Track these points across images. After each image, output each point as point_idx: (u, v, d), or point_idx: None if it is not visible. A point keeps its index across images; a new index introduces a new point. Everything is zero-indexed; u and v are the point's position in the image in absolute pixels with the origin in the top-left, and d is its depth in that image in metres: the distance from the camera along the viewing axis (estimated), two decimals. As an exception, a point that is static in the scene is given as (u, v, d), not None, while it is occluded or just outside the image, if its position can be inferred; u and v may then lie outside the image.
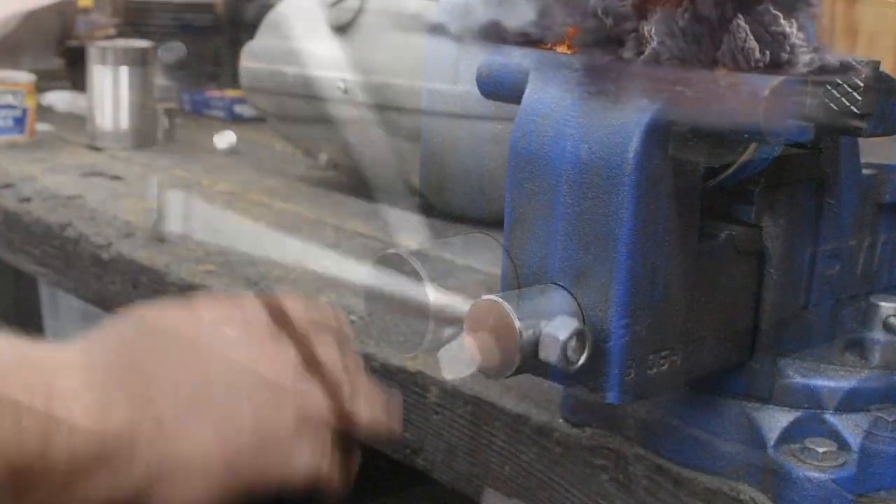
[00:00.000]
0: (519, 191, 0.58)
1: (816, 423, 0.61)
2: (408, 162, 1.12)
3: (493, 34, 0.59)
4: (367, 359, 0.79)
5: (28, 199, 1.20)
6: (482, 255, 0.60)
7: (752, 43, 0.52)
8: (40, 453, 0.52)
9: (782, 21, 0.53)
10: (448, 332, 0.58)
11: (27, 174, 1.32)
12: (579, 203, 0.55)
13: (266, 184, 1.33)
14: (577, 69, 0.56)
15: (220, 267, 0.98)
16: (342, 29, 1.17)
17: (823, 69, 0.53)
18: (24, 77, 1.50)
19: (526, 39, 0.59)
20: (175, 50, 1.73)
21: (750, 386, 0.62)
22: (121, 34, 1.80)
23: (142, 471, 0.56)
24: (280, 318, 0.62)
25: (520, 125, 0.57)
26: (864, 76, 0.52)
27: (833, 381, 0.61)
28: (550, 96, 0.56)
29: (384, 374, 0.78)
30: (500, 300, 0.53)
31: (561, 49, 0.58)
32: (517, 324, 0.52)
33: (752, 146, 0.57)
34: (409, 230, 1.04)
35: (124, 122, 1.49)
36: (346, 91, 1.16)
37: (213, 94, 1.78)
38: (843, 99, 0.52)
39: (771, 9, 0.53)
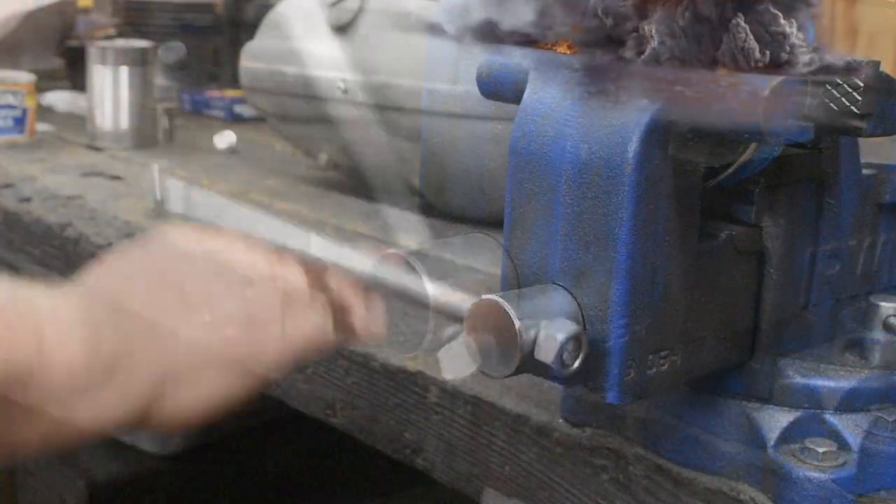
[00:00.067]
0: (519, 191, 0.58)
1: (816, 423, 0.61)
2: (408, 162, 1.12)
3: (490, 34, 0.59)
4: (367, 359, 0.80)
5: (28, 199, 1.20)
6: (482, 255, 0.60)
7: (752, 43, 0.52)
8: (35, 366, 0.53)
9: (782, 21, 0.53)
10: (448, 332, 0.58)
11: (27, 174, 1.32)
12: (579, 203, 0.55)
13: (266, 184, 1.33)
14: (577, 69, 0.56)
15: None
16: (342, 29, 1.17)
17: (823, 69, 0.53)
18: (24, 77, 1.50)
19: (524, 39, 0.59)
20: (175, 50, 1.73)
21: (750, 386, 0.62)
22: (121, 34, 1.80)
23: (146, 381, 0.57)
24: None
25: (520, 125, 0.57)
26: (864, 76, 0.52)
27: (833, 381, 0.61)
28: (550, 96, 0.56)
29: (384, 374, 0.78)
30: (500, 300, 0.53)
31: (561, 49, 0.58)
32: (517, 324, 0.52)
33: (752, 146, 0.57)
34: (409, 230, 1.04)
35: (124, 122, 1.49)
36: (346, 91, 1.16)
37: (213, 94, 1.78)
38: (843, 99, 0.52)
39: (771, 8, 0.53)
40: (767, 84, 0.50)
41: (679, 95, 0.51)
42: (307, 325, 0.62)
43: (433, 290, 0.58)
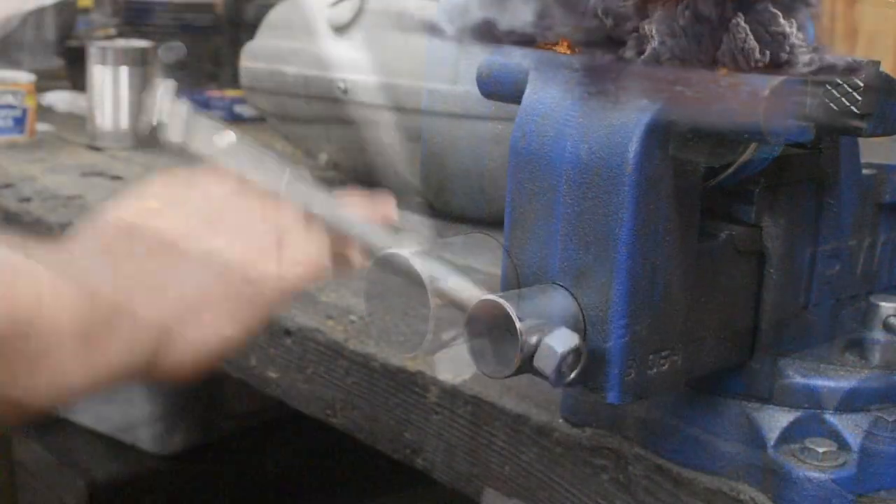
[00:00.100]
0: (519, 191, 0.58)
1: (816, 423, 0.61)
2: (408, 162, 1.12)
3: (489, 34, 0.59)
4: (367, 359, 0.80)
5: (28, 199, 1.20)
6: (482, 255, 0.60)
7: (752, 43, 0.52)
8: (36, 318, 0.53)
9: (782, 21, 0.53)
10: (448, 332, 0.58)
11: (27, 174, 1.32)
12: (579, 203, 0.55)
13: (266, 184, 1.33)
14: (577, 69, 0.56)
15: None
16: (342, 29, 1.17)
17: (823, 69, 0.53)
18: (24, 77, 1.50)
19: (524, 39, 0.59)
20: (175, 50, 1.73)
21: (750, 386, 0.62)
22: (121, 34, 1.80)
23: (147, 329, 0.57)
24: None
25: (520, 125, 0.57)
26: (864, 76, 0.52)
27: (833, 381, 0.61)
28: (550, 96, 0.56)
29: (384, 373, 0.78)
30: (501, 300, 0.53)
31: (561, 49, 0.58)
32: (518, 324, 0.52)
33: (752, 146, 0.57)
34: (410, 230, 1.04)
35: (124, 122, 1.49)
36: (346, 91, 1.16)
37: (213, 94, 1.78)
38: (843, 99, 0.52)
39: (770, 8, 0.53)
40: (767, 84, 0.50)
41: (679, 95, 0.51)
42: (303, 256, 0.62)
43: (433, 290, 0.58)
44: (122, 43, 1.56)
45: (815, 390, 0.61)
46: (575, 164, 0.55)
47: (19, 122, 1.50)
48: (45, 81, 1.68)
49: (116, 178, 1.33)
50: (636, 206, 0.53)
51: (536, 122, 0.57)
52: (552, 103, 0.56)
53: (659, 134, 0.53)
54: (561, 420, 0.68)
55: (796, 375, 0.61)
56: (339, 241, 0.64)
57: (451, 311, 0.57)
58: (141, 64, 1.47)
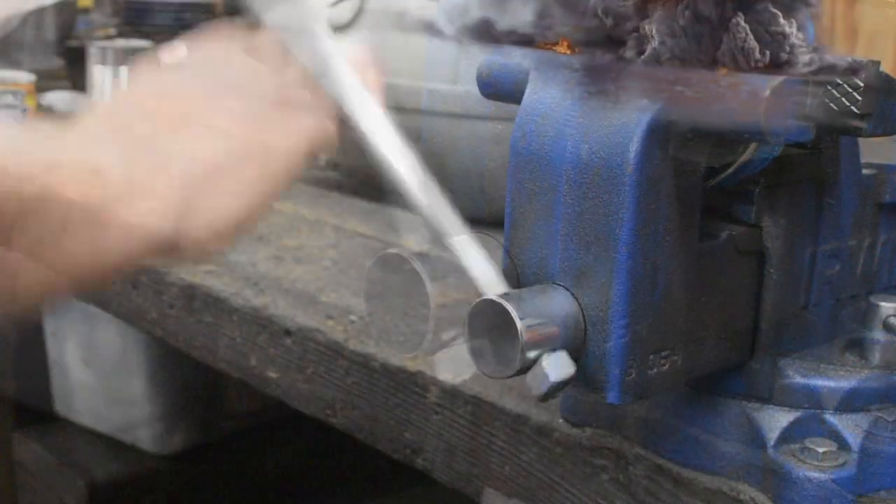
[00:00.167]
0: (519, 191, 0.58)
1: (816, 423, 0.61)
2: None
3: (487, 33, 0.59)
4: (367, 359, 0.80)
5: (28, 199, 1.20)
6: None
7: (753, 43, 0.52)
8: (44, 192, 0.52)
9: (782, 21, 0.53)
10: (448, 332, 0.58)
11: (27, 174, 1.32)
12: (580, 203, 0.55)
13: (266, 184, 1.33)
14: (577, 69, 0.56)
15: (220, 267, 0.98)
16: (342, 29, 1.17)
17: (823, 69, 0.53)
18: (24, 77, 1.50)
19: (523, 39, 0.59)
20: (175, 50, 1.73)
21: (750, 386, 0.62)
22: (121, 34, 1.80)
23: (163, 203, 0.56)
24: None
25: (520, 125, 0.57)
26: (864, 76, 0.52)
27: (833, 381, 0.61)
28: (551, 96, 0.56)
29: (384, 373, 0.78)
30: (501, 300, 0.53)
31: (561, 49, 0.58)
32: (518, 324, 0.52)
33: (752, 146, 0.57)
34: (409, 230, 1.04)
35: (124, 122, 1.49)
36: (346, 91, 1.15)
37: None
38: (843, 99, 0.52)
39: (770, 8, 0.53)
40: (768, 84, 0.50)
41: (679, 95, 0.51)
42: (311, 121, 0.61)
43: (433, 290, 0.58)
44: (122, 43, 1.56)
45: (815, 390, 0.61)
46: (575, 164, 0.55)
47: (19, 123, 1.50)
48: (45, 81, 1.68)
49: (116, 178, 1.33)
50: (636, 206, 0.53)
51: (536, 122, 0.57)
52: (552, 103, 0.56)
53: (659, 134, 0.53)
54: (561, 420, 0.68)
55: (796, 375, 0.61)
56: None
57: (451, 311, 0.57)
58: (141, 64, 1.47)
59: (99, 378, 1.61)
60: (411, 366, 0.76)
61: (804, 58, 0.53)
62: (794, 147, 0.59)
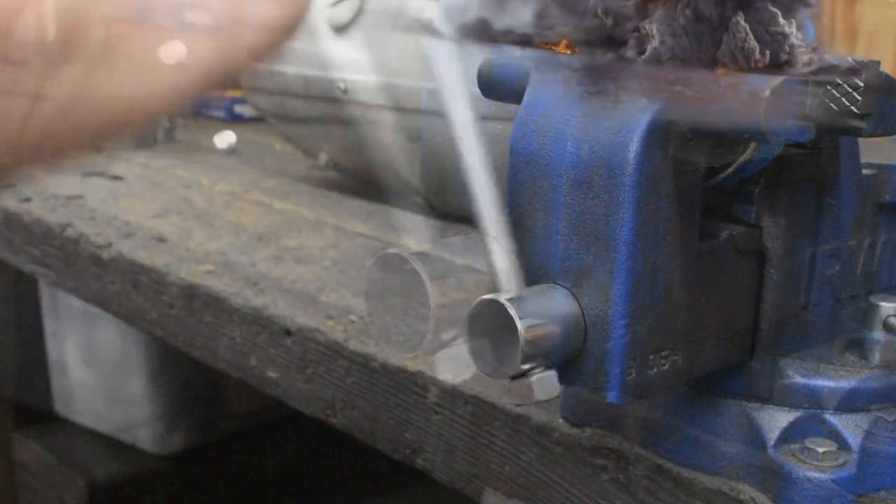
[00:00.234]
0: (519, 191, 0.58)
1: (816, 423, 0.61)
2: (408, 162, 1.12)
3: (488, 34, 0.59)
4: (367, 359, 0.80)
5: (28, 199, 1.20)
6: (482, 255, 0.60)
7: (753, 43, 0.52)
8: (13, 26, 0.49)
9: (781, 20, 0.53)
10: (448, 332, 0.58)
11: (27, 174, 1.32)
12: (580, 203, 0.55)
13: (266, 184, 1.33)
14: (577, 69, 0.56)
15: (220, 267, 0.98)
16: (342, 29, 1.17)
17: (823, 69, 0.53)
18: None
19: (523, 39, 0.59)
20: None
21: (750, 386, 0.62)
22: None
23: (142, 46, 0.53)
24: None
25: (520, 125, 0.57)
26: (864, 76, 0.52)
27: (833, 381, 0.61)
28: (551, 96, 0.56)
29: (384, 373, 0.78)
30: (501, 300, 0.53)
31: (561, 49, 0.58)
32: (518, 324, 0.52)
33: (752, 146, 0.57)
34: (409, 230, 1.04)
35: (124, 122, 1.49)
36: (346, 91, 1.16)
37: (213, 94, 1.78)
38: (843, 99, 0.52)
39: (770, 7, 0.53)
40: (768, 84, 0.50)
41: (679, 95, 0.51)
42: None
43: (433, 290, 0.58)
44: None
45: (815, 390, 0.61)
46: (575, 163, 0.55)
47: (19, 122, 1.50)
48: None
49: (116, 178, 1.33)
50: (637, 206, 0.53)
51: (537, 121, 0.57)
52: (552, 103, 0.56)
53: (659, 134, 0.53)
54: (561, 420, 0.68)
55: (796, 375, 0.61)
56: None
57: (451, 311, 0.57)
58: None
59: (99, 378, 1.61)
60: (411, 366, 0.76)
61: (804, 58, 0.53)
62: (794, 147, 0.59)
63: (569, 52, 0.58)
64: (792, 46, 0.53)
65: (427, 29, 0.64)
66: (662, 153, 0.53)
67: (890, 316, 0.64)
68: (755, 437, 0.61)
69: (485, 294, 0.55)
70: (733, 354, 0.61)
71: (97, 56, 0.52)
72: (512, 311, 0.53)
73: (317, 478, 1.68)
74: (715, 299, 0.59)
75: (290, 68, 1.22)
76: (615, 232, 0.53)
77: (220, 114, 1.74)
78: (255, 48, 0.57)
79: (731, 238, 0.60)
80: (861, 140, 0.60)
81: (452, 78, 0.60)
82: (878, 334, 0.64)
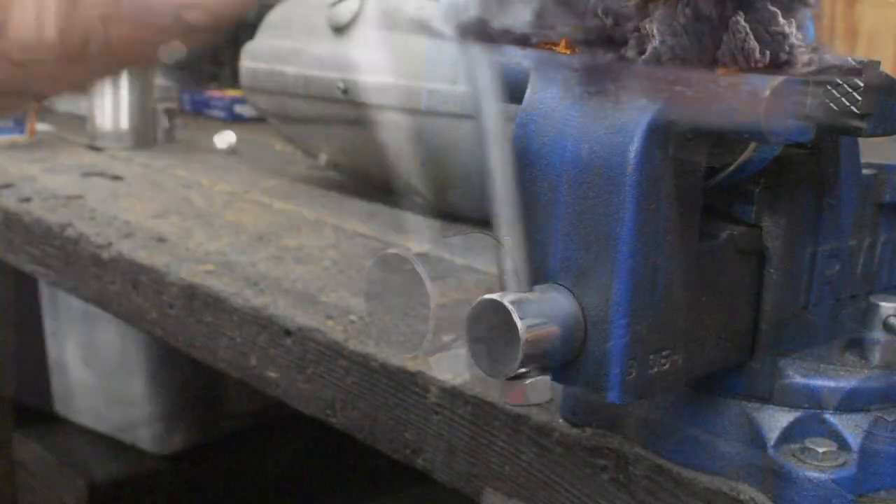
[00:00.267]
0: (520, 191, 0.58)
1: (816, 423, 0.61)
2: (408, 162, 1.12)
3: (488, 34, 0.59)
4: (367, 359, 0.80)
5: (28, 199, 1.20)
6: (482, 255, 0.60)
7: (753, 43, 0.52)
8: None
9: (781, 20, 0.53)
10: (448, 332, 0.58)
11: (27, 174, 1.32)
12: (580, 203, 0.55)
13: (266, 184, 1.33)
14: (577, 69, 0.56)
15: (220, 267, 0.98)
16: (342, 29, 1.17)
17: (823, 69, 0.53)
18: (24, 77, 1.50)
19: (523, 39, 0.59)
20: (175, 50, 1.73)
21: (750, 386, 0.62)
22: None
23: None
24: None
25: (521, 125, 0.57)
26: (864, 76, 0.52)
27: (833, 381, 0.61)
28: (551, 96, 0.56)
29: (384, 373, 0.78)
30: (502, 300, 0.53)
31: (561, 49, 0.58)
32: (519, 324, 0.52)
33: (752, 146, 0.57)
34: (410, 230, 1.04)
35: (124, 122, 1.49)
36: (346, 91, 1.16)
37: (213, 94, 1.78)
38: (843, 99, 0.52)
39: (769, 7, 0.53)
40: (768, 84, 0.50)
41: (680, 95, 0.51)
42: None
43: (433, 290, 0.58)
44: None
45: (815, 390, 0.61)
46: (575, 164, 0.55)
47: (19, 122, 1.50)
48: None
49: (116, 178, 1.34)
50: (637, 206, 0.53)
51: (537, 121, 0.57)
52: (553, 103, 0.56)
53: (659, 134, 0.53)
54: (561, 420, 0.68)
55: (796, 375, 0.61)
56: None
57: (451, 311, 0.57)
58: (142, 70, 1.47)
59: (99, 378, 1.61)
60: (411, 366, 0.76)
61: (804, 58, 0.53)
62: (794, 147, 0.59)
63: (569, 52, 0.58)
64: (792, 46, 0.53)
65: (427, 29, 0.64)
66: (662, 153, 0.53)
67: (890, 316, 0.64)
68: (755, 437, 0.61)
69: (485, 294, 0.55)
70: (733, 354, 0.61)
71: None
72: (512, 311, 0.53)
73: (317, 478, 1.68)
74: (715, 299, 0.59)
75: (290, 68, 1.22)
76: (615, 232, 0.53)
77: (220, 114, 1.74)
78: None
79: (731, 238, 0.60)
80: (861, 140, 0.60)
81: (483, 79, 0.59)
82: (878, 334, 0.64)
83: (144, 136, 1.51)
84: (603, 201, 0.54)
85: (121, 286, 1.02)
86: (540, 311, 0.54)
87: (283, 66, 1.23)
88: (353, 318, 0.85)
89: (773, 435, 0.60)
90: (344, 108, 1.17)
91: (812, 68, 0.53)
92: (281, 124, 1.32)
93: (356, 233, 1.11)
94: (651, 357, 0.56)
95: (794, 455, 0.59)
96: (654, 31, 0.53)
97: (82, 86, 0.54)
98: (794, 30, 0.53)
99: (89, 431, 1.64)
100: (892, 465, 0.61)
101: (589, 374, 0.55)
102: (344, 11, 1.16)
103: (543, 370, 0.54)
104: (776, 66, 0.53)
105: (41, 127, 1.56)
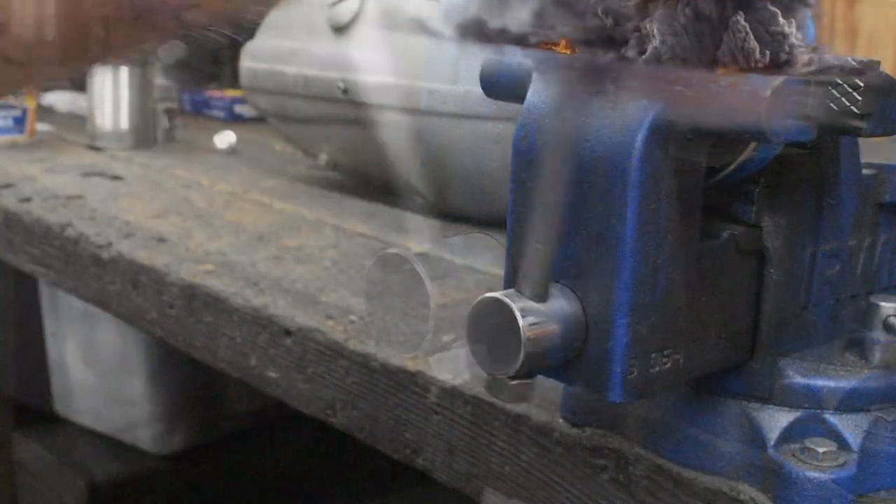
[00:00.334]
0: (521, 190, 0.58)
1: (816, 423, 0.61)
2: (408, 162, 1.12)
3: (489, 34, 0.59)
4: (367, 359, 0.80)
5: (28, 199, 1.20)
6: (482, 255, 0.60)
7: (753, 43, 0.52)
8: None
9: (781, 20, 0.53)
10: (448, 332, 0.58)
11: (27, 174, 1.33)
12: (581, 203, 0.55)
13: (266, 184, 1.33)
14: (577, 69, 0.56)
15: (220, 267, 0.98)
16: (342, 29, 1.17)
17: (823, 69, 0.53)
18: (24, 77, 1.50)
19: (524, 39, 0.59)
20: (175, 50, 1.73)
21: (750, 386, 0.62)
22: (121, 34, 1.80)
23: None
24: None
25: (522, 125, 0.57)
26: (864, 76, 0.52)
27: (833, 381, 0.61)
28: (551, 96, 0.56)
29: (384, 373, 0.78)
30: (504, 298, 0.53)
31: (562, 49, 0.58)
32: (521, 321, 0.52)
33: (752, 145, 0.57)
34: (410, 230, 1.04)
35: (124, 122, 1.49)
36: (346, 91, 1.16)
37: (213, 94, 1.78)
38: (843, 99, 0.52)
39: (769, 7, 0.53)
40: (768, 84, 0.50)
41: (680, 95, 0.51)
42: None
43: (433, 290, 0.58)
44: (122, 43, 1.55)
45: (815, 390, 0.61)
46: (576, 163, 0.55)
47: (19, 122, 1.50)
48: (46, 81, 1.68)
49: (116, 178, 1.34)
50: (638, 206, 0.53)
51: (538, 121, 0.57)
52: (553, 103, 0.56)
53: (660, 133, 0.53)
54: (561, 420, 0.68)
55: (796, 375, 0.61)
56: None
57: (451, 311, 0.57)
58: (141, 64, 1.48)
59: (99, 378, 1.61)
60: (411, 366, 0.76)
61: (804, 58, 0.53)
62: (794, 147, 0.59)
63: (569, 52, 0.58)
64: (792, 46, 0.53)
65: (427, 29, 0.64)
66: (663, 153, 0.53)
67: (890, 316, 0.64)
68: (755, 437, 0.61)
69: (485, 293, 0.55)
70: (733, 354, 0.61)
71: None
72: (514, 310, 0.53)
73: (317, 478, 1.68)
74: (715, 299, 0.59)
75: (290, 68, 1.22)
76: (616, 231, 0.53)
77: (220, 114, 1.74)
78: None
79: (731, 238, 0.60)
80: (861, 140, 0.60)
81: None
82: (878, 334, 0.64)
83: (144, 136, 1.51)
84: (604, 201, 0.54)
85: (121, 286, 1.02)
86: (541, 310, 0.54)
87: (283, 66, 1.23)
88: (353, 318, 0.85)
89: (773, 435, 0.60)
90: (344, 108, 1.17)
91: (812, 68, 0.53)
92: (281, 124, 1.32)
93: (356, 233, 1.11)
94: (652, 356, 0.56)
95: (794, 455, 0.59)
96: (654, 30, 0.53)
97: (81, 77, 0.55)
98: (794, 30, 0.53)
99: (89, 431, 1.64)
100: (892, 465, 0.61)
101: (590, 374, 0.55)
102: (344, 11, 1.16)
103: (542, 368, 0.54)
104: (776, 66, 0.53)
105: (41, 127, 1.56)
